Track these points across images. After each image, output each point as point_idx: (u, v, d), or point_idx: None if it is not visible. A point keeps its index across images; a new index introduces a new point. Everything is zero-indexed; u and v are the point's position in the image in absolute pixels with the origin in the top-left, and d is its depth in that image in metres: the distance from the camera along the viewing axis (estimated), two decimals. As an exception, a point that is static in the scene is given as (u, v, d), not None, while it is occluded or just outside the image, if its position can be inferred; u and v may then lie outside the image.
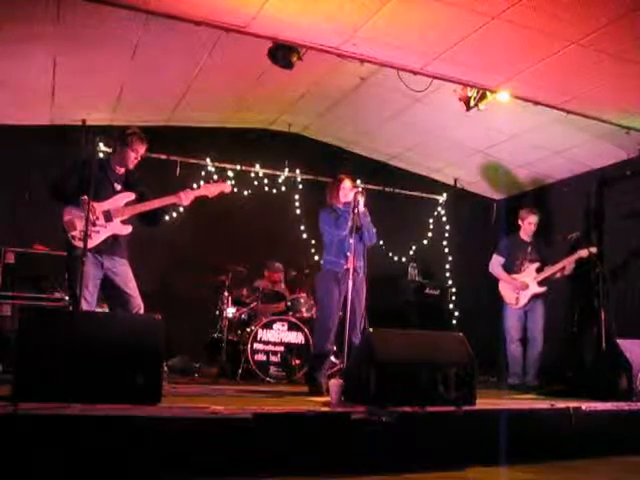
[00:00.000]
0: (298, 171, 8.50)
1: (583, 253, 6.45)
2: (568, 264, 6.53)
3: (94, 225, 4.47)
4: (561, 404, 4.59)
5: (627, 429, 4.65)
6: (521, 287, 6.62)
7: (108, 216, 4.61)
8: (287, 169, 8.44)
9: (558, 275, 6.61)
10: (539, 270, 6.65)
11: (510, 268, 6.76)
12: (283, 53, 5.25)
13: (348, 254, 5.26)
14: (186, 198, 4.78)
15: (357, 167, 8.05)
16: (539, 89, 5.68)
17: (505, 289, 6.75)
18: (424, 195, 9.19)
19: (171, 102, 7.04)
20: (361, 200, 5.24)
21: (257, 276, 7.50)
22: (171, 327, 3.98)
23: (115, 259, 4.64)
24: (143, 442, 3.26)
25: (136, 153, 4.74)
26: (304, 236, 8.36)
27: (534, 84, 5.56)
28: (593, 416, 4.53)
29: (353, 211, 5.19)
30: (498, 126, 7.08)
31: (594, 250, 6.45)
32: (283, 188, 8.45)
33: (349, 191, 5.43)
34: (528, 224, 6.78)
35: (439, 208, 9.31)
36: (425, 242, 9.12)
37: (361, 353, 4.41)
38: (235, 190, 7.68)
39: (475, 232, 9.05)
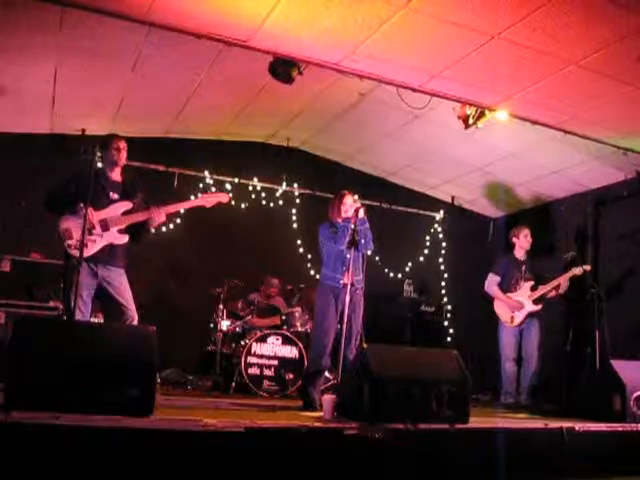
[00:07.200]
0: (296, 185, 8.51)
1: (577, 271, 6.48)
2: (562, 282, 6.55)
3: (90, 234, 4.47)
4: (554, 424, 4.56)
5: (620, 450, 4.62)
6: (516, 306, 6.63)
7: (105, 225, 4.60)
8: (285, 183, 8.44)
9: (553, 294, 6.62)
10: (533, 288, 6.66)
11: (505, 287, 6.76)
12: (283, 68, 5.28)
13: (345, 269, 5.26)
14: (158, 215, 4.77)
15: (355, 183, 8.05)
16: (537, 108, 5.71)
17: (500, 308, 6.75)
18: (421, 212, 9.21)
19: (171, 114, 7.06)
20: (361, 212, 5.26)
21: (253, 289, 7.48)
22: (165, 338, 3.96)
23: (111, 269, 4.63)
24: (134, 454, 3.23)
25: (118, 149, 4.80)
26: (301, 250, 8.35)
27: (533, 103, 5.59)
28: (586, 436, 4.50)
29: (353, 226, 5.20)
30: (496, 144, 7.11)
31: (588, 269, 6.49)
32: (281, 202, 8.46)
33: (350, 207, 5.42)
34: (524, 237, 6.80)
35: (436, 225, 9.32)
36: (421, 259, 9.12)
37: (356, 369, 4.39)
38: (233, 203, 7.68)
39: (471, 250, 9.04)
